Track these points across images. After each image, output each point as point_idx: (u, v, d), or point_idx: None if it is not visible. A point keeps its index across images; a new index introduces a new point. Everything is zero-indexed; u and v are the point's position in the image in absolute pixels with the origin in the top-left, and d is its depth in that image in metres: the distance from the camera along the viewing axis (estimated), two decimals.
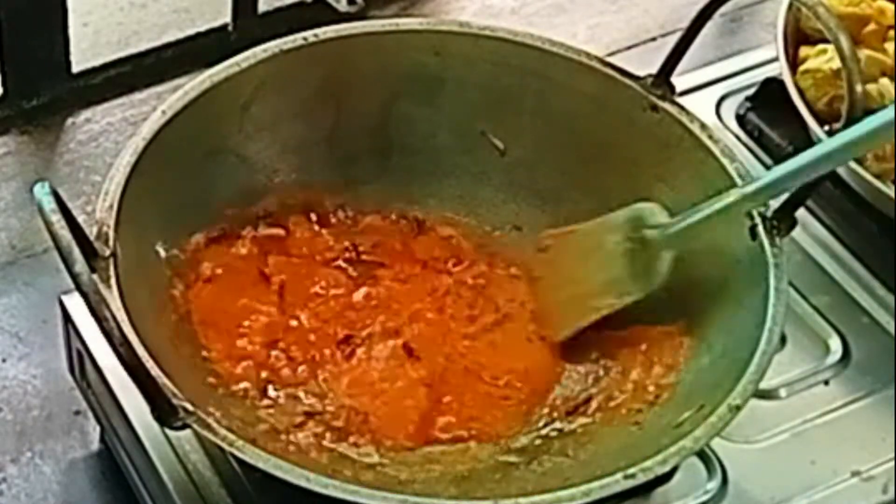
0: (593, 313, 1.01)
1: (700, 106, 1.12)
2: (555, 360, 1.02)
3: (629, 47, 1.44)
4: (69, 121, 1.34)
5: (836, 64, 1.09)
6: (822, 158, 0.94)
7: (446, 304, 1.04)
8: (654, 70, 1.05)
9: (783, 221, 0.98)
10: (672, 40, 1.06)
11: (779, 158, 1.17)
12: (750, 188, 0.96)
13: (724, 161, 1.01)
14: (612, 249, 1.02)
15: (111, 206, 0.93)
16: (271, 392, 0.97)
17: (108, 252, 0.91)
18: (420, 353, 1.00)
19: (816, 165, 0.94)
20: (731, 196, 0.97)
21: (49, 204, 0.84)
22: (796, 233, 1.00)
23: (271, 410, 0.96)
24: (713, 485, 0.99)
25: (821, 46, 1.16)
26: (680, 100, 1.05)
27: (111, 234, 0.92)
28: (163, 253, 0.99)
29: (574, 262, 1.04)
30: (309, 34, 1.05)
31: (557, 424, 0.98)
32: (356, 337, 1.01)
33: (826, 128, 1.10)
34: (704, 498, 0.98)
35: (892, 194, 1.09)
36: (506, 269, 1.06)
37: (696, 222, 0.98)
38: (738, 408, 0.89)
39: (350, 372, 0.99)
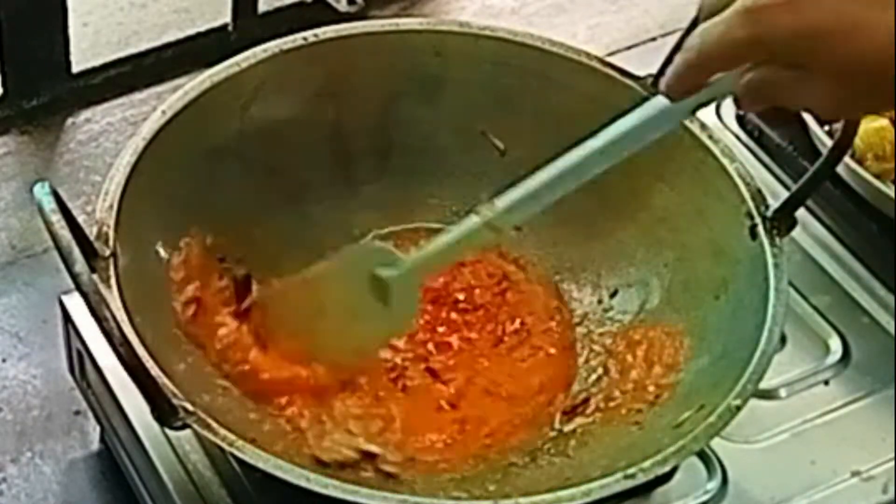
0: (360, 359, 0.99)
1: None
2: (568, 367, 1.02)
3: (629, 47, 1.44)
4: (69, 121, 1.34)
5: None
6: (562, 175, 0.91)
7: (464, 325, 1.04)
8: (654, 70, 1.05)
9: (783, 221, 0.98)
10: (672, 40, 1.06)
11: (780, 159, 1.18)
12: (488, 213, 0.93)
13: (724, 161, 1.01)
14: (353, 296, 0.98)
15: (111, 206, 0.93)
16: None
17: (108, 252, 0.91)
18: (444, 375, 1.01)
19: (556, 184, 0.91)
20: (469, 223, 0.93)
21: (49, 204, 0.84)
22: (796, 233, 1.00)
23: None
24: (713, 485, 0.99)
25: None
26: None
27: (111, 234, 0.92)
28: (163, 253, 0.99)
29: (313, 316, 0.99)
30: (309, 34, 1.05)
31: (557, 424, 0.99)
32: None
33: (826, 128, 1.10)
34: (704, 498, 0.98)
35: (892, 194, 1.09)
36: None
37: (434, 254, 0.95)
38: (738, 408, 0.89)
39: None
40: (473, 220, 0.93)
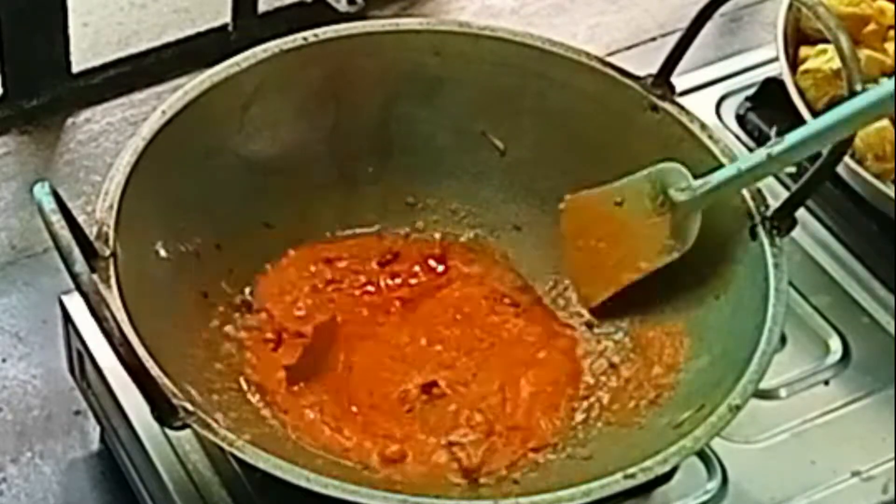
0: (625, 277, 1.02)
1: (700, 106, 1.11)
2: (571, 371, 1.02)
3: (629, 47, 1.44)
4: (69, 121, 1.34)
5: (836, 64, 1.09)
6: (845, 120, 0.92)
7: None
8: (654, 70, 1.05)
9: (783, 221, 0.98)
10: (672, 40, 1.06)
11: None
12: (777, 148, 0.95)
13: (724, 161, 1.01)
14: (640, 212, 1.01)
15: (111, 206, 0.93)
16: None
17: (108, 252, 0.91)
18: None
19: (841, 126, 0.93)
20: (758, 156, 0.96)
21: (49, 204, 0.84)
22: (796, 233, 1.00)
23: None
24: (713, 485, 0.99)
25: (821, 46, 1.16)
26: (680, 100, 1.05)
27: (111, 234, 0.92)
28: (163, 253, 0.99)
29: (601, 226, 1.04)
30: (309, 34, 1.05)
31: (559, 425, 0.99)
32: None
33: None
34: (704, 498, 0.98)
35: (892, 194, 1.09)
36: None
37: (724, 182, 0.98)
38: (738, 408, 0.89)
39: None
40: (761, 153, 0.95)
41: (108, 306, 0.83)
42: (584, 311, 1.05)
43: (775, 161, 0.96)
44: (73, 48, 1.33)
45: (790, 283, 0.96)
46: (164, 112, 0.99)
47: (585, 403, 0.99)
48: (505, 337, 1.04)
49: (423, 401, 0.99)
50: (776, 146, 0.95)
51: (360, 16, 1.34)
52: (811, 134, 0.94)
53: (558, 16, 1.48)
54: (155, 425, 0.89)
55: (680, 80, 1.06)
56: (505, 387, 1.00)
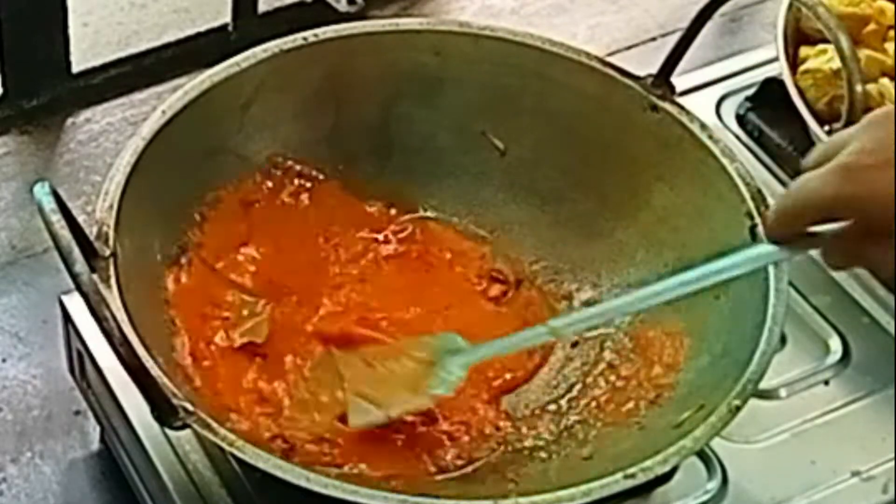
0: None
1: (700, 106, 1.11)
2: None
3: (629, 47, 1.44)
4: (69, 121, 1.34)
5: (836, 64, 1.09)
6: (640, 298, 0.94)
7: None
8: (654, 70, 1.05)
9: None
10: (672, 40, 1.06)
11: (780, 159, 1.18)
12: (558, 322, 0.95)
13: (724, 161, 1.01)
14: (409, 366, 0.98)
15: (111, 206, 0.93)
16: None
17: (108, 252, 0.91)
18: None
19: (630, 307, 0.95)
20: (540, 332, 0.96)
21: (49, 204, 0.84)
22: None
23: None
24: (713, 485, 0.99)
25: (821, 46, 1.16)
26: (680, 100, 1.05)
27: (111, 234, 0.92)
28: (163, 253, 0.99)
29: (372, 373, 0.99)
30: (309, 34, 1.05)
31: (560, 423, 0.99)
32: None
33: (826, 128, 1.10)
34: (704, 498, 0.98)
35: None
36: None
37: (493, 352, 0.97)
38: (738, 408, 0.89)
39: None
40: (540, 331, 0.96)
41: (108, 306, 0.83)
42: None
43: (553, 333, 0.96)
44: (73, 48, 1.33)
45: (790, 283, 0.96)
46: (164, 112, 0.99)
47: (585, 403, 0.99)
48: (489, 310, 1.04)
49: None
50: (556, 321, 0.96)
51: (360, 16, 1.35)
52: (592, 315, 0.96)
53: (558, 16, 1.48)
54: (155, 425, 0.89)
55: (680, 80, 1.06)
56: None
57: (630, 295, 0.96)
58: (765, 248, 0.89)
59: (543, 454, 0.97)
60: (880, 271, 0.83)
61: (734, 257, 0.90)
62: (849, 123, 0.97)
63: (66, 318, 1.04)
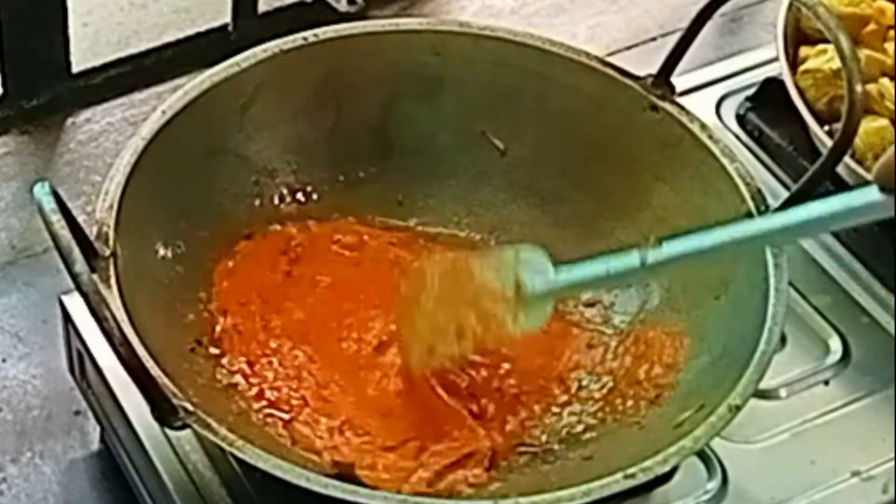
0: (452, 353, 0.97)
1: (700, 106, 1.12)
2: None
3: (629, 47, 1.44)
4: (69, 121, 1.34)
5: (836, 64, 1.09)
6: (726, 244, 0.91)
7: None
8: (654, 70, 1.05)
9: None
10: (672, 40, 1.06)
11: (780, 159, 1.18)
12: (651, 257, 0.93)
13: (724, 161, 1.01)
14: (487, 285, 0.96)
15: (111, 206, 0.93)
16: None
17: (108, 252, 0.91)
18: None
19: (721, 249, 0.92)
20: (630, 261, 0.93)
21: (49, 204, 0.84)
22: None
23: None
24: (713, 485, 0.99)
25: (821, 46, 1.16)
26: (680, 100, 1.05)
27: (111, 234, 0.92)
28: (163, 253, 0.99)
29: (448, 292, 0.98)
30: (309, 34, 1.05)
31: (560, 422, 0.99)
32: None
33: (826, 128, 1.10)
34: (704, 498, 0.98)
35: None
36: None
37: (586, 282, 0.96)
38: (738, 408, 0.89)
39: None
40: (634, 259, 0.93)
41: (108, 306, 0.83)
42: (586, 310, 1.05)
43: (647, 270, 0.93)
44: (73, 48, 1.33)
45: (790, 283, 0.96)
46: (164, 112, 0.99)
47: (585, 403, 0.99)
48: None
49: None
50: (651, 255, 0.92)
51: (360, 16, 1.34)
52: (689, 250, 0.92)
53: (558, 16, 1.48)
54: (155, 425, 0.89)
55: (680, 80, 1.06)
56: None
57: (721, 230, 0.92)
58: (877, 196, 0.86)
59: (543, 454, 0.97)
60: None
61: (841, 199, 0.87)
62: (849, 123, 0.97)
63: (66, 318, 1.04)
